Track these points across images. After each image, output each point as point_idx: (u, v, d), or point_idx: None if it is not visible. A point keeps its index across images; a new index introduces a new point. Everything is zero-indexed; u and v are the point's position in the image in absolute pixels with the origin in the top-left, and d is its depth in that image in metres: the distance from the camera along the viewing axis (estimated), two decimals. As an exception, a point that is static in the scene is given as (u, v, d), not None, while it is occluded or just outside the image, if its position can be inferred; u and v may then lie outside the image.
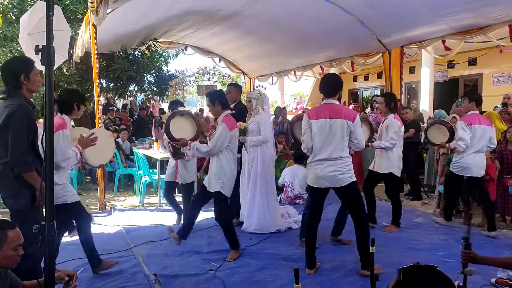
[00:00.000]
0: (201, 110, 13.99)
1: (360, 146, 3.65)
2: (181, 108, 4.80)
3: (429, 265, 2.26)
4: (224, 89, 6.77)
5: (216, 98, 4.06)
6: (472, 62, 10.11)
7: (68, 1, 8.41)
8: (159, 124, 6.09)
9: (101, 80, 8.16)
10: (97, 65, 6.12)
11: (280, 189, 6.54)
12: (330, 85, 3.68)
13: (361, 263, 3.54)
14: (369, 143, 4.93)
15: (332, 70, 11.85)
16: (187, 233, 4.27)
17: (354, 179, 3.59)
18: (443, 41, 6.87)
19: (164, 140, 5.28)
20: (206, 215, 5.10)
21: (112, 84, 9.25)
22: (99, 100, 6.06)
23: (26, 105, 2.76)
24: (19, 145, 2.68)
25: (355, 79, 13.80)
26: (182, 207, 5.21)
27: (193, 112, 5.10)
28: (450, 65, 10.57)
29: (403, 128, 4.95)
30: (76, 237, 4.65)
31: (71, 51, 7.16)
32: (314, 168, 3.60)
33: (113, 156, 6.57)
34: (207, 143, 4.00)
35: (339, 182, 3.52)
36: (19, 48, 7.26)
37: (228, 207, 4.27)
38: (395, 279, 2.24)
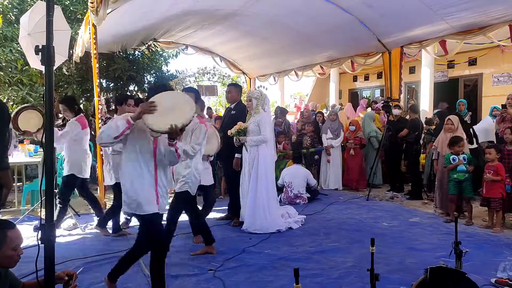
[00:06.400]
0: (209, 108, 13.87)
1: None
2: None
3: (458, 270, 2.23)
4: (224, 89, 6.73)
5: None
6: (472, 62, 10.10)
7: (68, 1, 8.43)
8: None
9: (101, 80, 8.15)
10: (97, 65, 6.11)
11: (280, 189, 6.54)
12: None
13: None
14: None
15: (332, 70, 11.89)
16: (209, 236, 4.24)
17: None
18: (444, 42, 6.87)
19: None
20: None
21: (112, 84, 9.24)
22: (98, 100, 6.06)
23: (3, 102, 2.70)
24: (3, 143, 2.62)
25: (355, 79, 13.80)
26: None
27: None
28: (450, 65, 10.57)
29: None
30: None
31: (71, 51, 7.16)
32: None
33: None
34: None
35: None
36: (19, 48, 7.27)
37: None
38: (421, 277, 2.21)
